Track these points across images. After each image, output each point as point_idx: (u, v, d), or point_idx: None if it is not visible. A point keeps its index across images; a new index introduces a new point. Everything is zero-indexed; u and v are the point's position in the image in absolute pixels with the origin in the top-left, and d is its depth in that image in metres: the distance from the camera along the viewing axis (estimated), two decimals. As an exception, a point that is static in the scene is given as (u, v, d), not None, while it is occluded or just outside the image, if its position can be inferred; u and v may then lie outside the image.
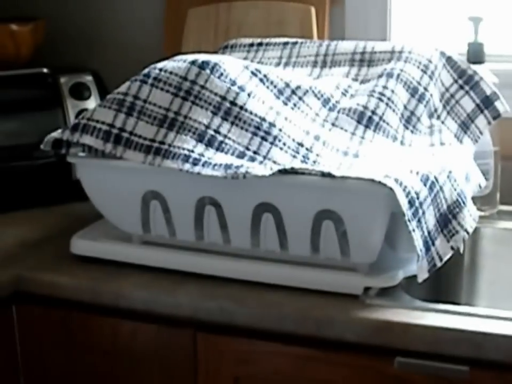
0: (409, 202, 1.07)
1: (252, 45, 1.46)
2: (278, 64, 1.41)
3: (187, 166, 1.14)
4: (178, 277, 1.18)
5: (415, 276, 1.10)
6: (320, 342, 1.08)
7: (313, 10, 1.55)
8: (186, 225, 1.20)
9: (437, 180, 1.12)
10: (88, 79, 1.57)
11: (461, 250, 1.15)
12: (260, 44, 1.46)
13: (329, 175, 1.09)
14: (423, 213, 1.09)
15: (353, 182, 1.07)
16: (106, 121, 1.20)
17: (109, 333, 1.20)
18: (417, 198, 1.08)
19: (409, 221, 1.06)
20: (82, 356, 1.23)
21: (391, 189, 1.05)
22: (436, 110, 1.33)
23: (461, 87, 1.35)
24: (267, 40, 1.45)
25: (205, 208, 1.17)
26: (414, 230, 1.07)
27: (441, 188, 1.13)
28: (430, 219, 1.11)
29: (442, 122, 1.33)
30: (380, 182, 1.06)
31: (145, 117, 1.20)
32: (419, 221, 1.09)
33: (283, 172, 1.11)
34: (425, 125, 1.30)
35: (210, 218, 1.18)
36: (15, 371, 1.26)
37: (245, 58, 1.43)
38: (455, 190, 1.15)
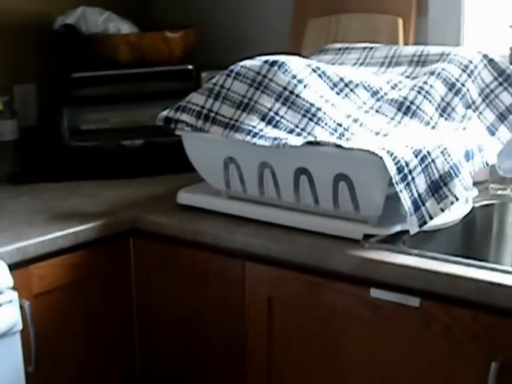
0: (398, 169, 1.37)
1: (340, 49, 1.81)
2: (354, 64, 1.75)
3: (248, 138, 1.52)
4: (241, 221, 1.57)
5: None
6: (323, 272, 1.42)
7: (400, 21, 1.86)
8: (252, 183, 1.58)
9: (429, 153, 1.41)
10: (224, 73, 1.98)
11: (449, 211, 1.42)
12: (346, 48, 1.80)
13: (340, 147, 1.42)
14: (413, 178, 1.38)
15: (356, 152, 1.40)
16: (199, 103, 1.61)
17: (188, 260, 1.61)
18: (407, 166, 1.38)
19: (396, 183, 1.37)
20: (173, 277, 1.65)
21: (381, 158, 1.36)
22: (473, 102, 1.60)
23: (500, 84, 1.61)
24: (352, 45, 1.80)
25: (264, 170, 1.55)
26: (401, 191, 1.37)
27: (433, 160, 1.41)
28: (421, 184, 1.40)
29: (480, 113, 1.59)
30: (373, 152, 1.37)
31: (227, 101, 1.59)
32: (408, 184, 1.38)
33: (310, 143, 1.46)
34: (459, 114, 1.58)
35: (267, 179, 1.55)
36: (129, 290, 1.70)
37: (332, 59, 1.79)
38: (448, 163, 1.42)
